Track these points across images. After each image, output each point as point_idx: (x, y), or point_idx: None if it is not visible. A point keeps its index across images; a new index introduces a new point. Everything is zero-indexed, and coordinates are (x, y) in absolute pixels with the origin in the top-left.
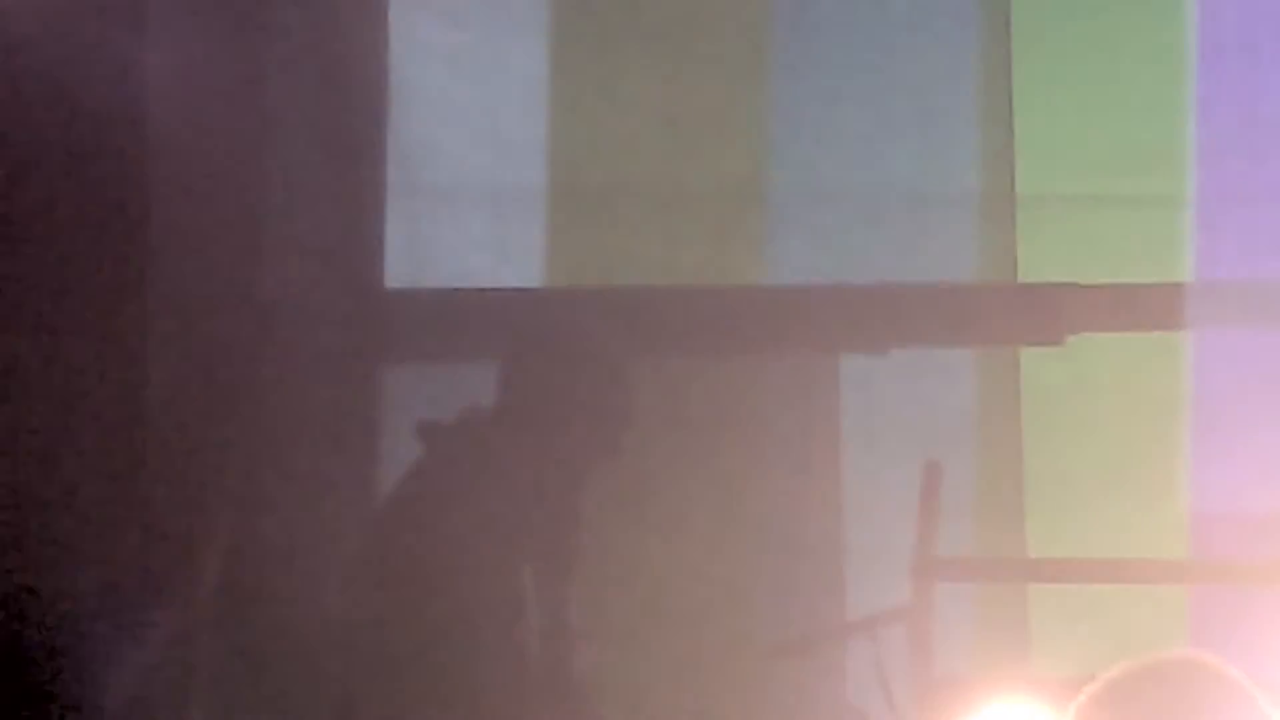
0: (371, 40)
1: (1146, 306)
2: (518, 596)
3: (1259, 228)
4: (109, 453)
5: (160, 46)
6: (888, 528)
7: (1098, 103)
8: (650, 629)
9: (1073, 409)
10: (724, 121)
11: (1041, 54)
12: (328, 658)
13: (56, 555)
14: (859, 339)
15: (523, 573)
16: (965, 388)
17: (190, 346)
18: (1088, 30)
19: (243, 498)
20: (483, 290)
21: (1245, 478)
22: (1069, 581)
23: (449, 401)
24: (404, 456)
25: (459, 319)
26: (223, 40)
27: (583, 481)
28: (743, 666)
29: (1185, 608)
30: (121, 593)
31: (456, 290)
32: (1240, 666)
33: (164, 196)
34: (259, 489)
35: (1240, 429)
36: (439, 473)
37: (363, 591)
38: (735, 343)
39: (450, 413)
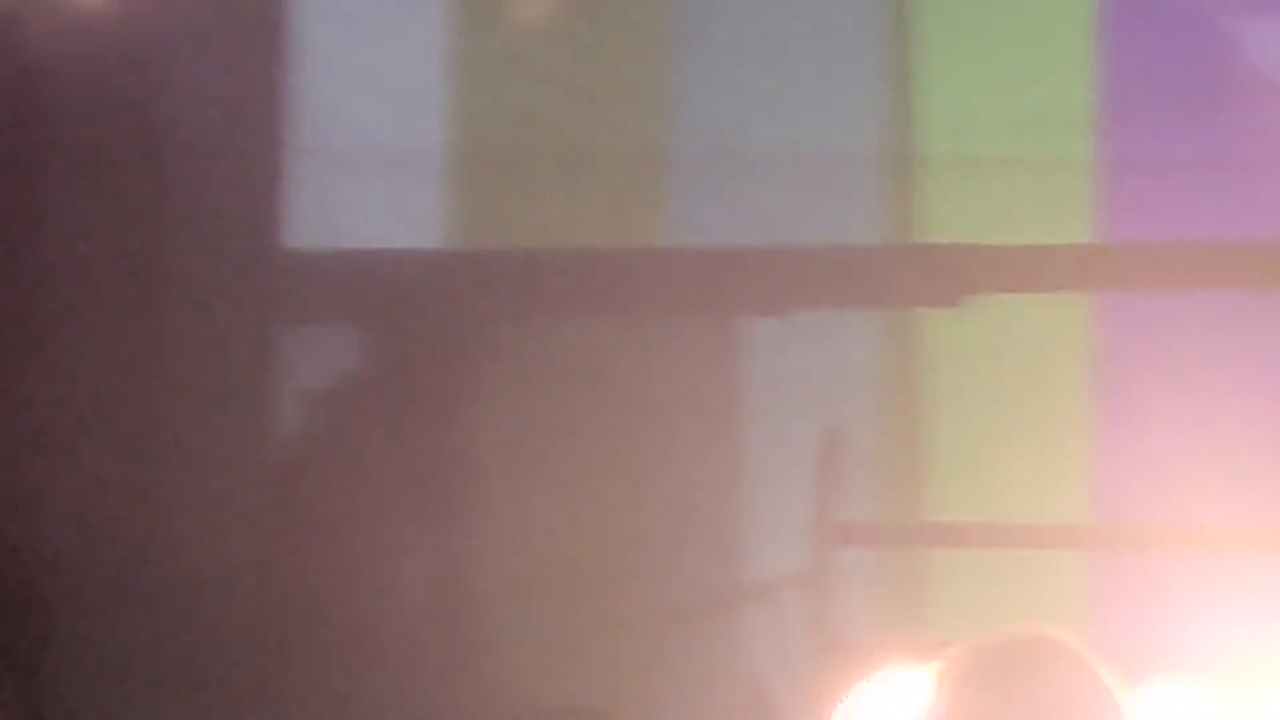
0: (274, 3)
1: (1048, 268)
2: (411, 558)
3: (1160, 190)
4: (4, 416)
5: (56, 10)
6: (788, 492)
7: (1000, 65)
8: (547, 593)
9: (973, 372)
10: (626, 83)
11: (944, 17)
12: (222, 619)
13: None
14: (759, 301)
15: (416, 535)
16: (865, 350)
17: (88, 306)
18: None
19: (141, 456)
20: (381, 253)
21: (1145, 441)
22: (969, 546)
23: (346, 363)
24: (302, 416)
25: (357, 281)
26: (122, 3)
27: (470, 445)
28: (641, 631)
29: (1086, 572)
30: (15, 559)
31: (355, 252)
32: (1139, 630)
33: (63, 159)
34: (157, 447)
35: (1141, 392)
36: (329, 437)
37: (259, 552)
38: (636, 304)
39: (342, 375)
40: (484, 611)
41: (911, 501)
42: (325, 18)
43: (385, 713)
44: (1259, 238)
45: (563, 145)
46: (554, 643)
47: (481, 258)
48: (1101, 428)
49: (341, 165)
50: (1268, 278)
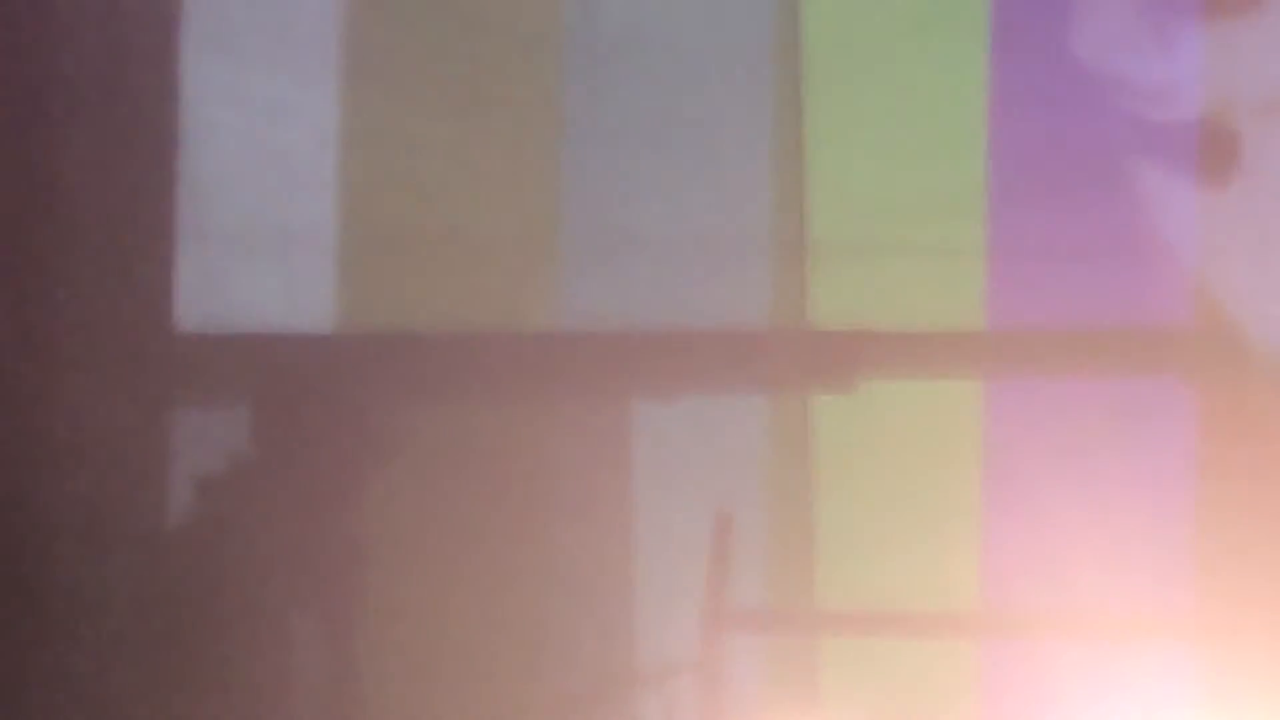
0: (162, 80)
1: (938, 354)
2: (301, 647)
3: (1051, 277)
4: None
5: None
6: (677, 577)
7: (891, 149)
8: (435, 678)
9: (864, 457)
10: (516, 165)
11: (835, 99)
12: (105, 708)
13: None
14: (649, 385)
15: (306, 623)
16: (756, 435)
17: None
18: (882, 77)
19: (29, 541)
20: (270, 334)
21: (1036, 529)
22: (859, 634)
23: (235, 447)
24: (187, 503)
25: (246, 363)
26: (7, 78)
27: (358, 531)
28: (531, 717)
29: (976, 659)
30: None
31: (245, 333)
32: (1029, 717)
33: None
34: (42, 535)
35: (1031, 479)
36: (215, 523)
37: (147, 637)
38: (523, 389)
39: (230, 460)
40: (374, 701)
41: (802, 588)
42: (215, 95)
43: None
44: (1149, 323)
45: (452, 226)
46: None
47: (370, 340)
48: (991, 514)
49: (231, 245)
50: (1158, 363)
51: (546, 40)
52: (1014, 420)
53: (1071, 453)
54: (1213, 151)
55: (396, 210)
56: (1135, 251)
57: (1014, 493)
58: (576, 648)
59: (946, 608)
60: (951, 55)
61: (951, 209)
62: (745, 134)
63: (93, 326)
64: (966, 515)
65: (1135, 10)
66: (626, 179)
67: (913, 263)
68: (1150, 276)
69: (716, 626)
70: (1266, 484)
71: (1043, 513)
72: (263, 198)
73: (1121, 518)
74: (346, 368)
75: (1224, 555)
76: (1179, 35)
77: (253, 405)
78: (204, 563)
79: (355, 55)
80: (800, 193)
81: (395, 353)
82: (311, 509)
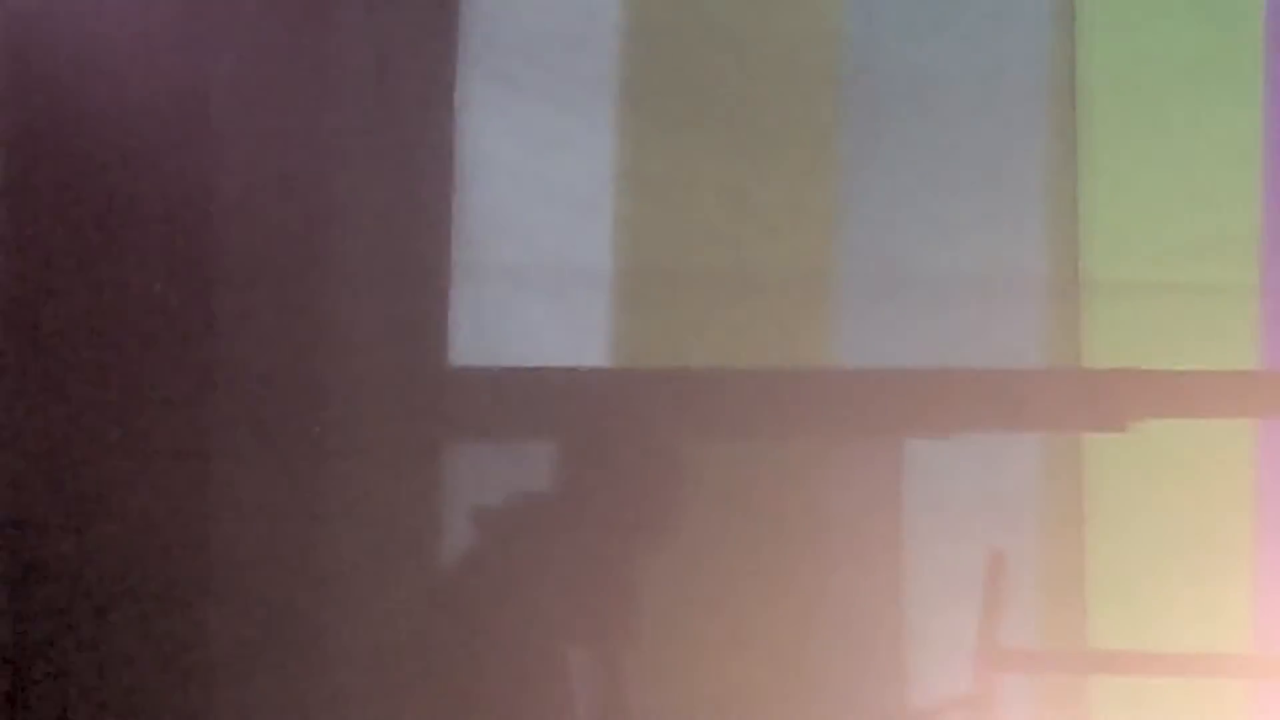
0: (440, 116)
1: (1212, 394)
2: (571, 684)
3: None
4: (169, 519)
5: (225, 120)
6: (950, 616)
7: (1165, 189)
8: (705, 715)
9: (1136, 497)
10: (791, 205)
11: (1109, 140)
12: None
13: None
14: (922, 423)
15: (576, 659)
16: (1028, 474)
17: (251, 422)
18: (1155, 116)
19: (299, 575)
20: (545, 369)
21: None
22: (1131, 674)
23: (510, 481)
24: (464, 537)
25: (522, 398)
26: (287, 116)
27: (634, 566)
28: None
29: (1248, 702)
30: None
31: (520, 369)
32: None
33: (228, 273)
34: (315, 567)
35: None
36: (493, 556)
37: (414, 674)
38: (797, 426)
39: (506, 494)
40: None
41: (1074, 627)
42: (493, 130)
43: None
44: None
45: (728, 263)
46: None
47: (645, 376)
48: (1264, 553)
49: (506, 280)
50: None
51: (824, 80)
52: None
53: None
54: None
55: (673, 248)
56: None
57: None
58: (847, 686)
59: (1219, 648)
60: (1226, 96)
61: (1225, 249)
62: (1020, 175)
63: (367, 362)
64: (1239, 555)
65: None
66: (902, 219)
67: (1186, 302)
68: None
69: (989, 665)
70: None
71: None
72: (539, 234)
73: None
74: (621, 404)
75: None
76: None
77: (526, 441)
78: (479, 598)
79: (633, 93)
80: (1074, 233)
81: (669, 389)
82: (583, 543)
